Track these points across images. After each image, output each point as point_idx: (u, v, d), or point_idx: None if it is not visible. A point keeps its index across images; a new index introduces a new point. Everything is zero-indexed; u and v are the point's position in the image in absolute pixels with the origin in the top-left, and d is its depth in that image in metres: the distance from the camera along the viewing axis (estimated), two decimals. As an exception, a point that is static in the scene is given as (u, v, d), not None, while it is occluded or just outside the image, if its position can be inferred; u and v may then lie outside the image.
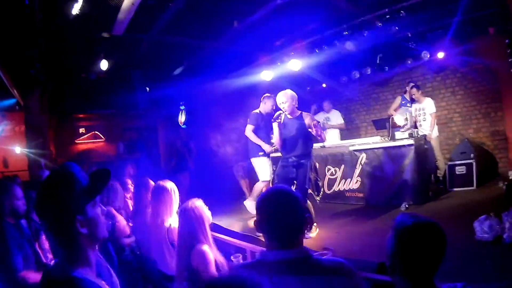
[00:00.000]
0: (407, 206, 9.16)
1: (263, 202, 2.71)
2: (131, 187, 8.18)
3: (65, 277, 1.97)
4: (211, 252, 4.44)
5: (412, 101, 11.75)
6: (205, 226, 4.60)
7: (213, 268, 4.35)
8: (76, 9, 8.54)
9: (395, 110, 12.03)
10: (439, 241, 2.43)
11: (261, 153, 9.06)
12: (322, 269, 2.50)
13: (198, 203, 4.69)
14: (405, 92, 12.22)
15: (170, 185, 5.41)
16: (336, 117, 13.38)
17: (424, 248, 2.39)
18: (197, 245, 4.41)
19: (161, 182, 5.47)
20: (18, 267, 4.49)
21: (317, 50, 11.36)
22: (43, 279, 2.05)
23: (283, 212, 2.62)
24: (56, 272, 2.02)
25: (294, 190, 2.86)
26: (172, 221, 5.23)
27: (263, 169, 9.05)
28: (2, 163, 17.02)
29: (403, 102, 12.13)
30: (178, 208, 5.25)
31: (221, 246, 4.72)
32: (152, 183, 6.37)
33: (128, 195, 7.98)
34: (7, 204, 4.77)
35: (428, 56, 11.30)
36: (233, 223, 9.20)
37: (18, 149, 16.37)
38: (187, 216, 4.55)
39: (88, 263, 2.11)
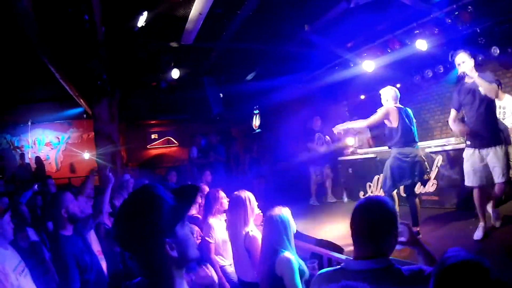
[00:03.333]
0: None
1: (355, 213, 2.78)
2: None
3: None
4: (295, 261, 4.44)
5: None
6: (290, 234, 4.61)
7: (297, 277, 4.35)
8: (141, 22, 8.67)
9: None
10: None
11: None
12: (401, 279, 2.55)
13: (284, 211, 4.68)
14: None
15: (245, 194, 5.39)
16: None
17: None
18: (282, 252, 4.41)
19: (237, 192, 5.45)
20: (72, 282, 4.55)
21: (389, 50, 11.21)
22: None
23: (370, 224, 2.69)
24: None
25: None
26: (250, 229, 5.24)
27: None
28: (69, 169, 17.50)
29: None
30: (262, 214, 5.31)
31: (297, 251, 4.68)
32: (222, 193, 6.44)
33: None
34: (62, 213, 4.85)
35: (498, 51, 10.99)
36: (308, 228, 9.14)
37: (87, 155, 16.80)
38: (273, 223, 4.56)
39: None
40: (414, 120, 8.14)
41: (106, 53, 10.21)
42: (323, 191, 12.63)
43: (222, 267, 6.24)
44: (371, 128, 12.26)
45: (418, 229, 7.63)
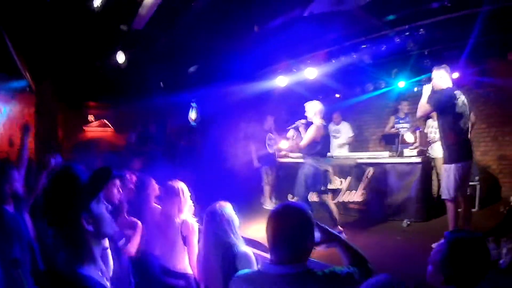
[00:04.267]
0: (408, 223, 9.23)
1: (271, 218, 2.82)
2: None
3: (71, 273, 2.03)
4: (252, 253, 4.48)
5: (405, 118, 12.43)
6: (236, 228, 4.61)
7: None
8: (97, 2, 8.61)
9: (391, 128, 12.29)
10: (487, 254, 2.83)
11: None
12: (317, 282, 2.63)
13: (227, 206, 4.69)
14: (397, 111, 12.43)
15: (179, 184, 5.46)
16: (346, 130, 13.51)
17: (478, 260, 2.76)
18: (238, 247, 4.42)
19: (170, 182, 5.53)
20: (15, 257, 4.54)
21: (333, 60, 11.37)
22: (48, 274, 2.17)
23: (285, 231, 2.73)
24: (62, 268, 2.09)
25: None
26: (185, 216, 5.30)
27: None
28: (8, 142, 17.10)
29: (396, 120, 12.51)
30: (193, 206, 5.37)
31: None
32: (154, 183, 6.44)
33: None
34: (6, 188, 4.83)
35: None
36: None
37: (24, 131, 16.43)
38: (218, 218, 4.52)
39: (93, 260, 2.18)
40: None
41: (58, 28, 10.05)
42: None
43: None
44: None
45: (340, 228, 8.32)
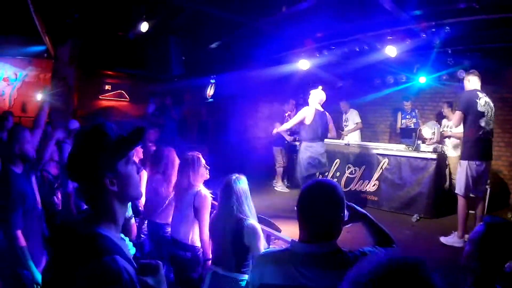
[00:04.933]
0: (418, 218, 9.21)
1: (302, 195, 2.79)
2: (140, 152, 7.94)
3: (88, 232, 1.94)
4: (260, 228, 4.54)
5: (410, 113, 12.56)
6: (250, 202, 4.67)
7: (262, 244, 4.48)
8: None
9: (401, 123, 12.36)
10: None
11: None
12: (346, 263, 2.52)
13: (242, 178, 4.73)
14: (402, 108, 12.64)
15: (195, 155, 5.43)
16: (353, 117, 13.52)
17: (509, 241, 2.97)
18: (247, 220, 4.47)
19: (191, 152, 5.48)
20: (15, 223, 4.53)
21: (357, 49, 11.30)
22: (66, 232, 2.04)
23: (317, 207, 2.69)
24: (80, 226, 2.00)
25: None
26: (199, 188, 5.26)
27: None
28: (21, 108, 17.09)
29: (402, 115, 12.73)
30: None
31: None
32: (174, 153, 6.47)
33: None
34: (17, 148, 4.82)
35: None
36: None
37: (40, 96, 16.45)
38: (233, 190, 4.58)
39: (114, 221, 2.10)
40: (330, 123, 9.83)
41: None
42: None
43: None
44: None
45: None
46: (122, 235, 2.21)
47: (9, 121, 9.71)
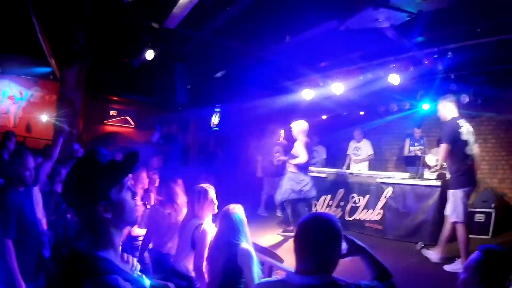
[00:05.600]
0: (422, 245, 9.17)
1: (301, 227, 2.82)
2: (146, 180, 7.98)
3: (89, 254, 1.99)
4: (253, 251, 4.68)
5: (419, 140, 12.54)
6: (246, 229, 4.82)
7: (256, 266, 4.60)
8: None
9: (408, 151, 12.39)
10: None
11: None
12: None
13: (239, 208, 4.91)
14: (409, 135, 12.63)
15: (207, 188, 5.43)
16: (366, 147, 13.53)
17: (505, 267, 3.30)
18: (240, 244, 4.62)
19: (203, 185, 5.49)
20: (7, 232, 4.66)
21: (361, 78, 11.39)
22: (68, 255, 2.19)
23: (314, 240, 2.72)
24: (82, 248, 2.03)
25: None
26: (202, 222, 5.27)
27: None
28: (25, 128, 17.17)
29: (411, 142, 12.68)
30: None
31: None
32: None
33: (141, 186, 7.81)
34: (20, 170, 4.97)
35: (467, 100, 11.30)
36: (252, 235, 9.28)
37: (45, 117, 16.56)
38: (230, 219, 4.75)
39: (112, 245, 2.11)
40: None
41: (90, 18, 10.13)
42: (272, 202, 12.70)
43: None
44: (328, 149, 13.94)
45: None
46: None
47: (12, 141, 9.80)
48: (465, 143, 7.60)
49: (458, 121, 7.72)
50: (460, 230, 7.65)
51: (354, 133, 13.84)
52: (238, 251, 4.57)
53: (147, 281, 2.38)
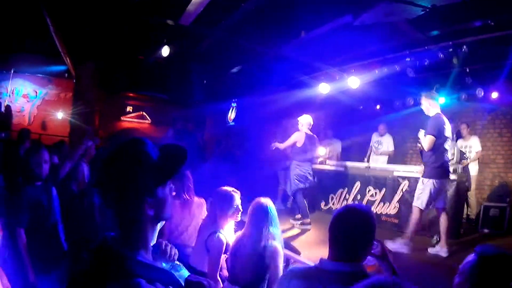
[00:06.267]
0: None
1: (337, 218, 2.92)
2: None
3: (118, 253, 1.80)
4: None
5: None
6: (277, 223, 4.80)
7: (281, 267, 4.59)
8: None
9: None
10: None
11: None
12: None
13: (269, 201, 4.86)
14: None
15: (234, 194, 5.21)
16: (388, 142, 13.57)
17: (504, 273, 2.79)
18: (272, 242, 4.61)
19: (228, 189, 5.27)
20: (19, 221, 4.71)
21: (376, 71, 11.39)
22: (97, 254, 1.84)
23: (350, 229, 2.84)
24: (110, 249, 1.83)
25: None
26: (218, 229, 5.10)
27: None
28: (40, 126, 17.29)
29: None
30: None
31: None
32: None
33: None
34: (36, 164, 5.00)
35: (482, 93, 11.27)
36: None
37: (60, 115, 16.67)
38: (261, 213, 4.73)
39: (145, 244, 1.94)
40: (317, 144, 10.94)
41: (104, 17, 10.19)
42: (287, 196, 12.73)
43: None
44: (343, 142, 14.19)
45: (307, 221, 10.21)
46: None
47: (28, 139, 9.90)
48: (446, 139, 8.12)
49: (443, 118, 8.18)
50: (416, 214, 8.27)
51: (379, 127, 13.95)
52: (268, 247, 4.56)
53: (185, 272, 2.44)
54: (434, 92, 8.75)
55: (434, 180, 8.09)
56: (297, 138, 10.51)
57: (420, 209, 8.13)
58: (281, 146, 10.76)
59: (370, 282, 1.81)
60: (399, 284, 1.63)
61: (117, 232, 1.91)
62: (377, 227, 3.01)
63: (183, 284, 1.95)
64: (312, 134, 10.72)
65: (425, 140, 8.19)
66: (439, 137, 8.03)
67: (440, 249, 8.23)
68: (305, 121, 10.63)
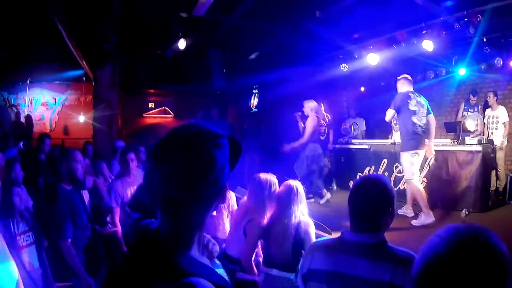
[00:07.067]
0: (467, 212, 9.11)
1: (355, 189, 2.91)
2: None
3: (170, 251, 1.54)
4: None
5: (473, 107, 12.09)
6: (305, 203, 4.89)
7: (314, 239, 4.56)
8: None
9: (462, 115, 12.14)
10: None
11: None
12: (391, 257, 2.68)
13: (299, 183, 4.89)
14: (468, 99, 12.24)
15: (273, 180, 5.22)
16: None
17: None
18: (302, 217, 4.71)
19: (268, 176, 5.22)
20: (65, 234, 4.70)
21: (394, 46, 11.36)
22: (139, 249, 1.64)
23: (368, 199, 2.82)
24: (158, 245, 1.58)
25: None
26: (255, 215, 5.10)
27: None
28: (63, 130, 17.46)
29: (465, 107, 12.35)
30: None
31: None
32: None
33: None
34: (64, 167, 4.96)
35: (501, 62, 11.15)
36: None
37: (82, 118, 16.80)
38: (292, 194, 4.74)
39: (199, 239, 1.68)
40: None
41: (117, 17, 10.23)
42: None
43: None
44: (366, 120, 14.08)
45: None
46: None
47: (45, 143, 9.96)
48: (413, 112, 8.59)
49: (409, 94, 8.77)
50: (412, 186, 8.73)
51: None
52: (301, 223, 4.63)
53: (221, 270, 2.22)
54: (406, 75, 9.27)
55: (408, 152, 8.67)
56: (313, 124, 10.77)
57: (411, 180, 8.67)
58: (304, 139, 10.85)
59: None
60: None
61: (165, 223, 1.63)
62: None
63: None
64: (316, 116, 10.98)
65: (387, 113, 9.11)
66: (402, 111, 8.73)
67: (422, 218, 8.58)
68: (312, 105, 10.86)
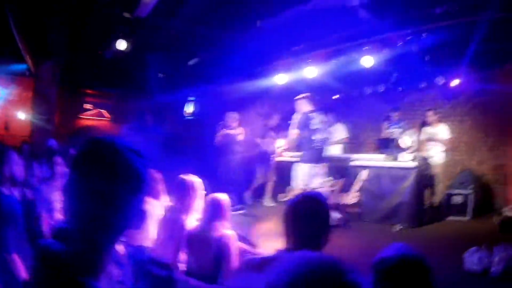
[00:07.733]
0: (401, 227, 9.19)
1: (292, 206, 2.91)
2: None
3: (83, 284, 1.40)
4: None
5: (396, 123, 12.11)
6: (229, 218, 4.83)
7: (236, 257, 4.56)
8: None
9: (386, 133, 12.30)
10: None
11: None
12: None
13: (225, 196, 4.87)
14: (388, 118, 12.37)
15: (195, 180, 5.23)
16: (339, 131, 13.38)
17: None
18: (225, 233, 4.60)
19: (190, 177, 5.26)
20: (8, 246, 4.35)
21: (334, 61, 11.36)
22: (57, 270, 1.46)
23: (304, 217, 2.82)
24: (74, 278, 1.42)
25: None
26: (193, 216, 5.13)
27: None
28: (4, 126, 17.04)
29: (388, 124, 12.37)
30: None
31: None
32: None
33: None
34: (6, 170, 4.69)
35: (443, 81, 11.33)
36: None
37: (23, 115, 16.40)
38: (215, 207, 4.74)
39: (106, 268, 1.56)
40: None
41: (62, 12, 10.01)
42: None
43: None
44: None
45: None
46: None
47: None
48: (314, 131, 9.56)
49: (310, 114, 9.66)
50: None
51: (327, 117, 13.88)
52: (223, 237, 4.56)
53: None
54: (306, 94, 10.07)
55: (305, 164, 9.64)
56: (234, 135, 11.61)
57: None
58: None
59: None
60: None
61: (75, 242, 1.51)
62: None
63: None
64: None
65: (291, 134, 10.02)
66: (305, 130, 9.60)
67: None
68: (234, 116, 11.70)
